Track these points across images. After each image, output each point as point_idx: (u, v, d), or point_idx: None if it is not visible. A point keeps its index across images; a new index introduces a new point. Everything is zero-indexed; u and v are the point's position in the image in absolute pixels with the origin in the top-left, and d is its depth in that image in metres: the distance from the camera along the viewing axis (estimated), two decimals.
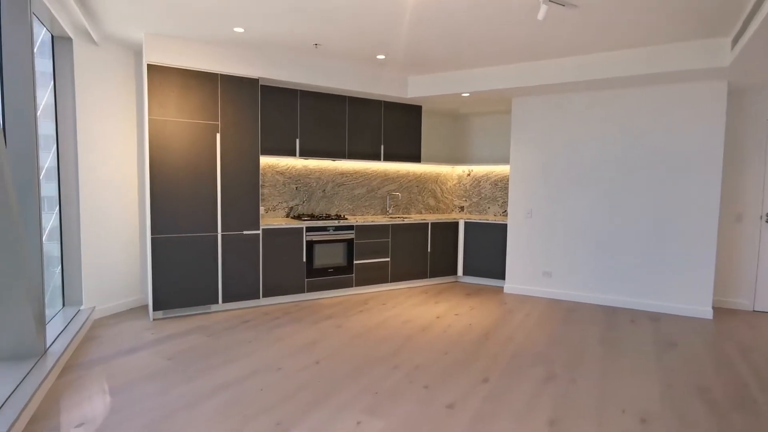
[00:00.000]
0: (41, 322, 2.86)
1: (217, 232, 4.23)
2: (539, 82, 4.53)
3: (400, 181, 6.05)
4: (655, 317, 4.36)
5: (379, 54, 4.38)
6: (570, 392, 2.70)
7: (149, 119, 3.87)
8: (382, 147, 5.48)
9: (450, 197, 6.55)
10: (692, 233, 4.38)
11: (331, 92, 5.04)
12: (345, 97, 5.16)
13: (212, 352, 3.26)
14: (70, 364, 3.03)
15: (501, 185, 6.14)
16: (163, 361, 3.08)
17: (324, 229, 4.85)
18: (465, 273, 5.86)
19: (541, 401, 2.58)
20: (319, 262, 4.84)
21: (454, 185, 6.55)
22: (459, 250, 5.88)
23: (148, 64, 3.85)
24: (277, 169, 5.10)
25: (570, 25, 3.46)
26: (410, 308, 4.57)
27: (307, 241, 4.75)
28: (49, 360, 2.82)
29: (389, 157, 5.55)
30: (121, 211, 4.24)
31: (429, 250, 5.63)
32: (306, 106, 4.90)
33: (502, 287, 5.60)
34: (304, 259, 4.75)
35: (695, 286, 4.39)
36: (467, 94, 5.08)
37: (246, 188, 4.35)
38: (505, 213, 6.13)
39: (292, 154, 4.85)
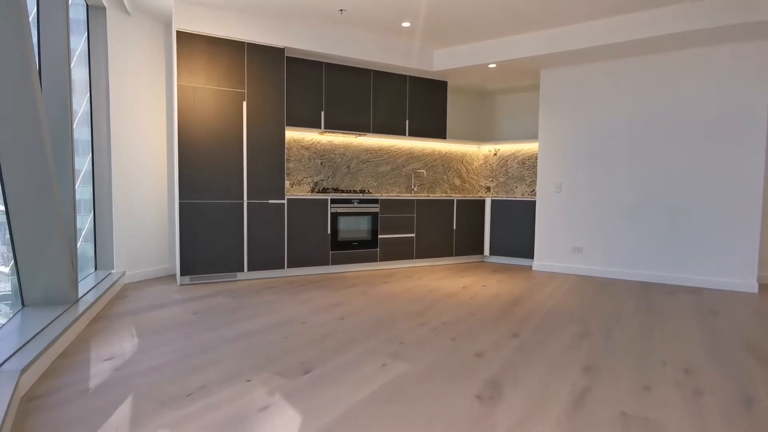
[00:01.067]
0: (74, 270, 2.91)
1: (243, 199, 4.25)
2: (568, 47, 4.39)
3: (425, 159, 5.98)
4: (694, 291, 4.15)
5: (404, 21, 4.33)
6: (607, 346, 2.57)
7: (178, 85, 3.93)
8: (407, 122, 5.43)
9: (476, 177, 6.43)
10: (733, 203, 4.15)
11: (356, 65, 5.03)
12: (370, 70, 5.14)
13: (237, 309, 3.26)
14: (101, 315, 3.08)
15: (529, 164, 5.99)
16: (190, 315, 3.10)
17: (349, 201, 4.82)
18: (492, 252, 5.73)
19: (575, 353, 2.46)
20: (343, 234, 4.82)
21: (480, 165, 6.43)
22: (485, 228, 5.76)
23: (177, 31, 3.91)
24: (303, 144, 5.11)
25: None
26: (436, 280, 4.48)
27: (331, 213, 4.74)
28: (81, 307, 2.87)
29: (414, 133, 5.49)
30: (152, 178, 4.32)
31: (455, 227, 5.53)
32: (331, 79, 4.90)
33: (530, 266, 5.44)
34: (329, 231, 4.73)
35: (738, 260, 4.15)
36: (494, 65, 4.98)
37: (272, 157, 4.37)
38: (533, 193, 5.97)
39: (317, 126, 4.85)
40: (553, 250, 5.12)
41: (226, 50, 4.11)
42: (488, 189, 6.37)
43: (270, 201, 4.39)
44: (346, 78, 4.99)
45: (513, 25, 4.35)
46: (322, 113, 4.87)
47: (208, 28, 4.01)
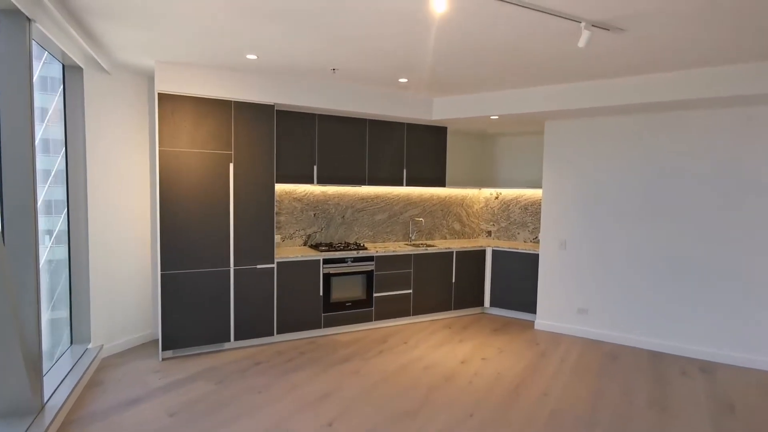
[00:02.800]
0: (38, 378, 2.68)
1: (229, 266, 4.02)
2: (575, 105, 4.16)
3: (424, 205, 5.75)
4: (708, 368, 3.90)
5: (401, 77, 4.10)
6: None
7: (160, 150, 3.70)
8: (405, 171, 5.20)
9: (476, 221, 6.19)
10: (756, 269, 3.90)
11: (350, 115, 4.80)
12: (365, 120, 4.90)
13: (218, 406, 3.03)
14: (69, 419, 2.84)
15: (531, 210, 5.75)
16: (166, 418, 2.86)
17: (342, 261, 4.59)
18: (492, 304, 5.49)
19: None
20: (336, 295, 4.58)
21: (481, 208, 6.19)
22: (486, 280, 5.52)
23: (159, 93, 3.68)
24: (294, 196, 4.88)
25: (614, 48, 3.10)
26: (433, 349, 4.24)
27: (324, 274, 4.50)
28: (47, 417, 2.64)
29: (412, 182, 5.26)
30: (133, 244, 4.09)
31: (454, 280, 5.30)
32: (324, 131, 4.67)
33: (533, 322, 5.20)
34: (321, 293, 4.50)
35: (759, 333, 3.90)
36: (496, 117, 4.74)
37: (260, 220, 4.14)
38: (536, 239, 5.73)
39: (309, 181, 4.62)
40: (557, 309, 4.88)
41: (212, 110, 3.88)
42: (489, 233, 6.13)
43: (258, 266, 4.15)
44: (340, 129, 4.76)
45: (517, 80, 4.12)
46: (315, 167, 4.64)
47: (192, 88, 3.79)
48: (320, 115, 4.64)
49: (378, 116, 4.84)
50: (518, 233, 5.87)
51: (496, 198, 6.05)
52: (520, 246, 5.39)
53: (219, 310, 4.00)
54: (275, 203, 4.64)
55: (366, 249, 4.80)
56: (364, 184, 4.94)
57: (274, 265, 4.23)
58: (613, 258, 4.53)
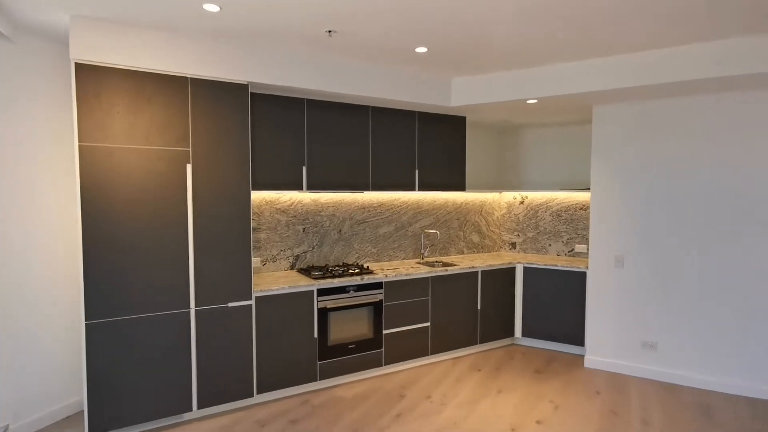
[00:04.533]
0: None
1: (189, 307, 2.90)
2: (641, 81, 3.17)
3: (437, 213, 4.70)
4: None
5: (419, 45, 3.05)
6: None
7: (80, 146, 2.57)
8: (417, 173, 4.15)
9: (497, 231, 5.18)
10: None
11: (349, 101, 3.73)
12: (367, 107, 3.84)
13: None
14: None
15: (566, 216, 4.76)
16: None
17: (342, 290, 3.50)
18: (525, 334, 4.47)
19: None
20: (336, 335, 3.49)
21: (503, 216, 5.18)
22: (516, 304, 4.50)
23: (76, 64, 2.55)
24: (278, 206, 3.78)
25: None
26: (467, 407, 3.19)
27: (319, 309, 3.41)
28: None
29: (426, 186, 4.21)
30: (51, 282, 2.92)
31: (480, 306, 4.26)
32: (315, 121, 3.59)
33: (580, 357, 4.19)
34: (316, 334, 3.40)
35: None
36: (534, 101, 3.74)
37: (231, 240, 3.03)
38: (571, 252, 4.74)
39: (296, 187, 3.53)
40: (615, 342, 3.88)
41: (159, 89, 2.76)
42: (513, 245, 5.12)
43: (230, 304, 3.04)
44: (336, 118, 3.69)
45: (564, 50, 3.12)
46: (304, 169, 3.55)
47: (127, 57, 2.66)
48: (310, 101, 3.56)
49: (384, 102, 3.79)
50: (549, 245, 4.87)
51: (521, 203, 5.05)
52: (559, 262, 4.38)
53: (176, 369, 2.87)
54: (252, 217, 3.53)
55: (372, 273, 3.72)
56: (367, 190, 3.87)
57: (252, 302, 3.12)
58: (689, 279, 3.55)
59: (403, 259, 4.50)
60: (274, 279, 3.48)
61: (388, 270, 3.89)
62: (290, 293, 3.29)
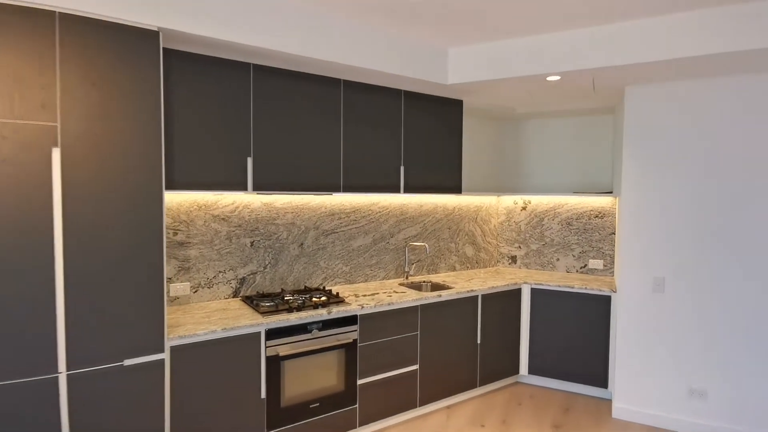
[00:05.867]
0: None
1: (56, 371, 1.86)
2: (696, 51, 2.36)
3: (424, 221, 3.79)
4: None
5: None
6: None
7: None
8: (402, 170, 3.23)
9: (494, 242, 4.32)
10: None
11: (313, 71, 2.78)
12: (338, 80, 2.89)
13: None
14: None
15: (578, 226, 3.95)
16: None
17: (302, 329, 2.53)
18: (532, 371, 3.61)
19: None
20: (293, 393, 2.51)
21: (501, 224, 4.33)
22: (522, 334, 3.64)
23: None
24: (216, 213, 2.78)
25: None
26: None
27: (269, 358, 2.43)
28: None
29: (413, 187, 3.30)
30: None
31: (479, 340, 3.37)
32: (266, 95, 2.61)
33: (604, 401, 3.37)
34: (264, 393, 2.41)
35: None
36: (556, 78, 2.88)
37: (131, 266, 2.01)
38: (584, 269, 3.93)
39: (239, 186, 2.54)
40: (652, 387, 3.06)
41: (5, 27, 1.73)
42: (513, 259, 4.27)
43: (128, 361, 2.02)
44: (296, 93, 2.72)
45: (600, 4, 2.27)
46: (250, 161, 2.57)
47: None
48: (259, 67, 2.58)
49: (361, 74, 2.85)
50: (557, 259, 4.05)
51: (523, 209, 4.21)
52: (572, 281, 3.55)
53: None
54: (178, 226, 2.53)
55: (343, 302, 2.77)
56: (337, 191, 2.92)
57: (165, 355, 2.11)
58: (750, 309, 2.77)
59: (383, 278, 3.56)
60: (205, 315, 2.48)
61: (364, 297, 2.95)
62: (226, 338, 2.29)
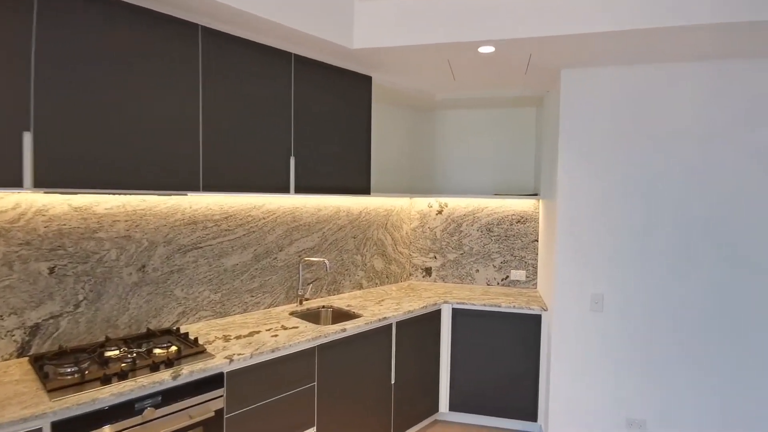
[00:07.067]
0: None
1: None
2: (666, 21, 1.95)
3: (324, 229, 3.00)
4: None
5: None
6: None
7: None
8: (292, 162, 2.40)
9: (407, 251, 3.68)
10: None
11: (149, 5, 1.83)
12: (195, 26, 1.98)
13: None
14: None
15: (499, 232, 3.48)
16: None
17: (126, 410, 1.58)
18: (453, 407, 3.02)
19: None
20: None
21: (414, 230, 3.70)
22: (442, 365, 3.03)
23: None
24: None
25: None
26: None
27: None
28: None
29: (309, 187, 2.49)
30: None
31: (393, 379, 2.67)
32: (61, 31, 1.61)
33: None
34: None
35: None
36: (490, 50, 2.29)
37: None
38: (506, 281, 3.48)
39: (9, 182, 1.51)
40: (589, 419, 2.63)
41: None
42: (428, 271, 3.67)
43: None
44: (118, 40, 1.75)
45: None
46: (28, 138, 1.55)
47: None
48: None
49: (228, 13, 1.97)
50: (476, 271, 3.54)
51: (439, 213, 3.63)
52: (494, 296, 3.03)
53: None
54: None
55: (201, 352, 1.86)
56: (194, 191, 2.00)
57: None
58: (698, 331, 2.45)
59: (270, 306, 2.70)
60: None
61: (238, 340, 2.07)
62: None
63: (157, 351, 1.86)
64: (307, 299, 2.86)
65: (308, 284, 2.90)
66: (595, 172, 2.57)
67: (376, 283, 3.41)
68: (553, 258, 2.72)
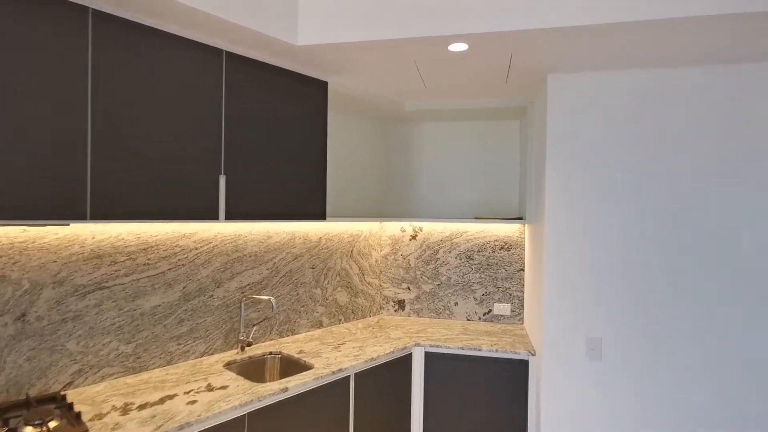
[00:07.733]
0: None
1: None
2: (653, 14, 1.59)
3: (274, 259, 2.56)
4: None
5: None
6: None
7: None
8: (222, 181, 1.96)
9: (377, 282, 3.24)
10: None
11: None
12: (85, 8, 1.56)
13: None
14: None
15: (480, 261, 3.07)
16: None
17: None
18: None
19: None
20: None
21: (385, 258, 3.27)
22: (413, 421, 2.57)
23: None
24: None
25: None
26: None
27: None
28: None
29: (241, 214, 2.05)
30: None
31: None
32: None
33: None
34: None
35: None
36: (463, 47, 1.91)
37: None
38: (488, 315, 3.06)
39: None
40: None
41: None
42: (400, 305, 3.23)
43: None
44: None
45: None
46: None
47: None
48: None
49: (122, 2, 1.56)
50: (455, 304, 3.12)
51: (413, 238, 3.21)
52: (479, 338, 2.61)
53: None
54: None
55: None
56: (79, 219, 1.55)
57: None
58: (713, 386, 2.05)
59: (204, 354, 2.23)
60: None
61: (139, 415, 1.60)
62: None
63: (27, 431, 1.39)
64: (250, 344, 2.39)
65: (253, 326, 2.44)
66: (588, 193, 2.19)
67: (340, 320, 2.96)
68: (541, 291, 2.32)
